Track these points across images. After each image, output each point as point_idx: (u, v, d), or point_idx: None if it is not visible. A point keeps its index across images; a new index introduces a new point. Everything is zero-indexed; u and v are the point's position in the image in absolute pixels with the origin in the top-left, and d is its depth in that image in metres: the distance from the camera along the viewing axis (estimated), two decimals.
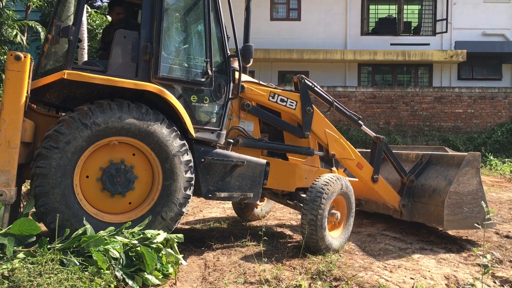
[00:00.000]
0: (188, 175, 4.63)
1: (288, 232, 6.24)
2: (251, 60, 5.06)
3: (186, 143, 4.66)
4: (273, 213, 7.39)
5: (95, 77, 4.33)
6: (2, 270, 3.28)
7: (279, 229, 6.37)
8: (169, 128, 4.52)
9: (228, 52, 5.08)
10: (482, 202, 5.19)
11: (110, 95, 4.48)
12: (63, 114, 4.93)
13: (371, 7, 19.88)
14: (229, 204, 8.04)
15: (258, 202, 6.90)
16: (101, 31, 15.61)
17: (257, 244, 5.24)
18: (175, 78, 4.77)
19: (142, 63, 4.57)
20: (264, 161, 5.30)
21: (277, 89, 5.70)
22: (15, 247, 3.51)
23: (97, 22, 15.42)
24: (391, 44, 18.71)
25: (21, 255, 3.50)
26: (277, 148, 5.68)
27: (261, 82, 5.71)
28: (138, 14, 5.86)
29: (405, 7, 19.23)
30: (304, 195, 5.30)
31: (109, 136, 4.30)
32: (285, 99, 5.65)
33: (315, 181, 5.24)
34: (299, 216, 7.08)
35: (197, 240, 5.57)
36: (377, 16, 20.02)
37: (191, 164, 4.68)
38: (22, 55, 4.00)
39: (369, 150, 6.53)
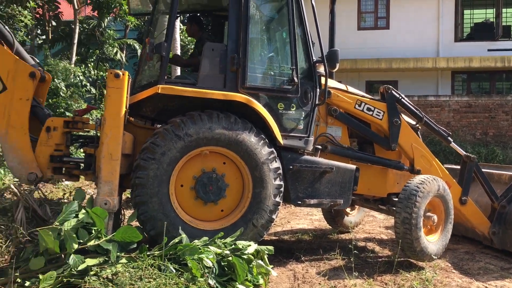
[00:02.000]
0: (277, 182, 4.67)
1: (378, 246, 6.06)
2: (337, 65, 4.99)
3: (275, 151, 4.70)
4: (362, 226, 7.21)
5: (187, 90, 4.53)
6: (106, 273, 3.51)
7: (368, 243, 6.20)
8: (257, 137, 4.60)
9: (314, 58, 5.05)
10: None
11: (200, 106, 4.64)
12: (158, 126, 5.19)
13: (466, 12, 18.90)
14: (316, 216, 7.99)
15: (349, 211, 6.80)
16: (192, 46, 16.27)
17: (346, 257, 5.14)
18: (262, 87, 4.85)
19: (230, 74, 4.69)
20: (353, 166, 5.21)
21: (364, 97, 5.57)
22: (118, 253, 3.72)
23: (189, 38, 16.09)
24: (489, 50, 17.60)
25: (123, 260, 3.71)
26: (366, 159, 5.53)
27: (349, 88, 5.61)
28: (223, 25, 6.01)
29: (503, 10, 18.06)
30: (396, 199, 5.11)
31: (200, 146, 4.46)
32: (372, 108, 5.50)
33: (410, 180, 5.06)
34: (389, 230, 6.87)
35: (286, 251, 5.57)
36: (472, 21, 19.00)
37: (280, 171, 4.71)
38: (121, 73, 4.26)
39: (459, 167, 6.16)
